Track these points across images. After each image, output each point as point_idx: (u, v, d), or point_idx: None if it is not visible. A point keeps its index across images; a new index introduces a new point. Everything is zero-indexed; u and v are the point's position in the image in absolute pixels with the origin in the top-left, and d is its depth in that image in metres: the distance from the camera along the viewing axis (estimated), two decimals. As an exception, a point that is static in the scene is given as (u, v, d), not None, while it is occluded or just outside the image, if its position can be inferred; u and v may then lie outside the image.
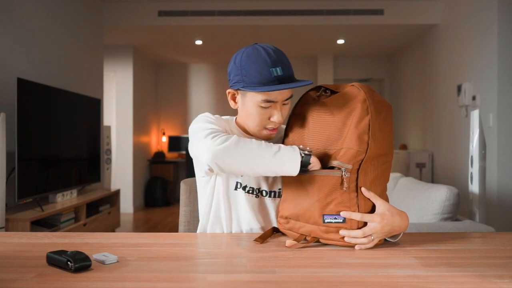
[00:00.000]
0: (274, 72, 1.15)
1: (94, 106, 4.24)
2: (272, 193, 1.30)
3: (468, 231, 2.15)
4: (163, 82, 7.54)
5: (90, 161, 4.15)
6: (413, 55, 6.10)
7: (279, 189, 1.30)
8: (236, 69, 1.20)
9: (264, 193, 1.30)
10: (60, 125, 3.57)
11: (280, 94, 1.19)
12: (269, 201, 1.30)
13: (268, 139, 1.29)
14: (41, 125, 3.25)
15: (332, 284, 0.85)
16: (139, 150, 6.68)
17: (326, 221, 1.10)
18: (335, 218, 1.09)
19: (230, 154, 1.10)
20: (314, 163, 1.12)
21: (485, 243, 1.20)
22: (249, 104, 1.22)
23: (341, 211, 1.09)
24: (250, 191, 1.29)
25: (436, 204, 2.31)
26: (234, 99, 1.28)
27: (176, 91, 7.53)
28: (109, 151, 4.64)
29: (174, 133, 7.55)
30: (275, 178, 1.31)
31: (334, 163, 1.10)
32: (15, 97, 2.89)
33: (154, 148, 7.46)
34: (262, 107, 1.20)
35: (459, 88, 4.38)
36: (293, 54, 6.98)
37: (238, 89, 1.23)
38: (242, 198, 1.29)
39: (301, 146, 1.14)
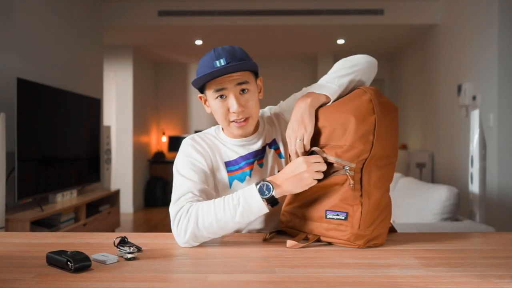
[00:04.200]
0: (217, 63, 1.17)
1: (94, 106, 4.24)
2: None
3: (468, 231, 2.15)
4: (163, 82, 7.54)
5: (90, 161, 4.15)
6: (413, 55, 6.10)
7: None
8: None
9: None
10: (60, 125, 3.57)
11: (229, 81, 1.19)
12: None
13: (245, 134, 1.27)
14: (41, 125, 3.25)
15: (332, 284, 0.85)
16: (139, 150, 6.68)
17: (328, 216, 1.11)
18: (337, 215, 1.10)
19: (198, 238, 1.12)
20: (281, 189, 1.11)
21: (485, 243, 1.20)
22: (211, 102, 1.24)
23: (344, 208, 1.10)
24: None
25: (436, 204, 2.31)
26: (205, 102, 1.30)
27: (176, 91, 7.53)
28: (109, 151, 4.64)
29: (174, 133, 7.55)
30: (275, 162, 1.30)
31: (331, 159, 1.10)
32: (15, 97, 2.89)
33: (154, 148, 7.46)
34: (218, 99, 1.21)
35: (459, 88, 4.38)
36: (293, 54, 6.99)
37: (201, 93, 1.27)
38: None
39: (260, 184, 1.11)
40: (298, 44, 6.23)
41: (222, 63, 1.17)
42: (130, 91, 6.32)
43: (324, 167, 1.10)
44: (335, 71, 1.21)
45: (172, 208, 1.17)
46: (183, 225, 1.12)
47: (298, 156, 1.15)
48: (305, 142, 1.13)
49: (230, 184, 1.28)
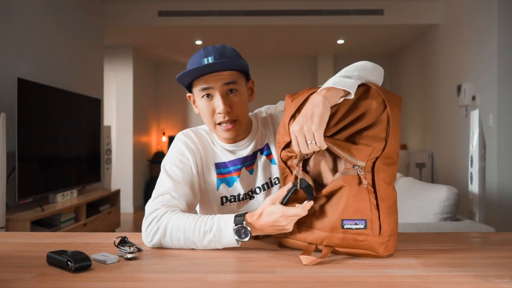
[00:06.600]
0: (205, 61, 1.15)
1: (94, 106, 4.24)
2: (266, 185, 1.25)
3: (468, 231, 2.15)
4: (163, 82, 7.54)
5: (90, 161, 4.15)
6: (413, 55, 6.10)
7: (276, 177, 1.25)
8: None
9: (257, 190, 1.25)
10: (60, 125, 3.57)
11: (216, 79, 1.15)
12: (264, 196, 1.25)
13: (232, 138, 1.22)
14: (41, 125, 3.25)
15: (332, 284, 0.85)
16: (139, 150, 6.68)
17: (345, 226, 0.99)
18: (356, 224, 0.99)
19: (163, 245, 1.12)
20: (258, 232, 1.05)
21: (485, 243, 1.20)
22: (198, 101, 1.21)
23: (362, 215, 0.99)
24: (244, 198, 1.25)
25: (436, 204, 2.31)
26: (194, 102, 1.26)
27: (176, 91, 7.52)
28: (109, 151, 4.64)
29: (174, 133, 7.54)
30: (266, 168, 1.25)
31: (343, 155, 1.00)
32: (15, 97, 2.89)
33: (154, 148, 7.46)
34: (205, 98, 1.17)
35: (459, 88, 4.38)
36: (293, 54, 6.98)
37: (189, 92, 1.24)
38: (234, 208, 1.25)
39: (239, 226, 1.04)
40: (298, 44, 6.22)
41: (210, 61, 1.14)
42: (130, 91, 6.32)
43: (304, 214, 1.01)
44: (346, 71, 1.07)
45: (149, 206, 1.18)
46: (152, 230, 1.13)
47: (301, 155, 1.03)
48: (318, 144, 0.97)
49: (218, 187, 1.25)
